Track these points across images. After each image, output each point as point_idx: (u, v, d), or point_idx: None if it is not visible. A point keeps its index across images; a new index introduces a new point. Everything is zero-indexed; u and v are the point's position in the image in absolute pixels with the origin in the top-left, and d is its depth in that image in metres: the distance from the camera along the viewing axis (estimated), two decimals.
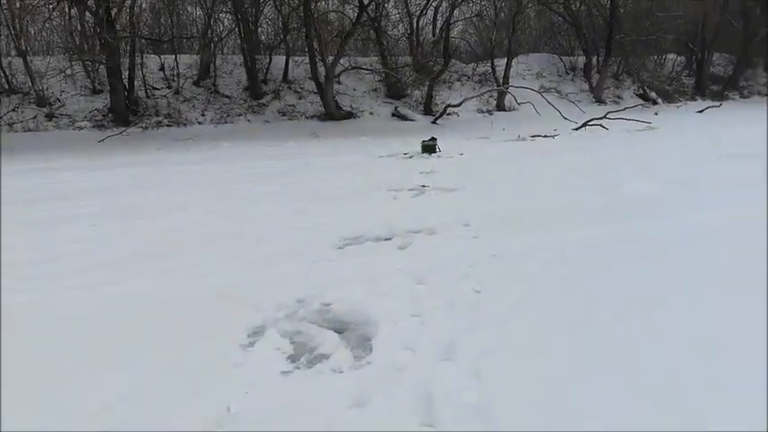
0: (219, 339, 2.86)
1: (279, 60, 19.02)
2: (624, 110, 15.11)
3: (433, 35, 20.52)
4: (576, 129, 14.18)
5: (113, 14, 15.11)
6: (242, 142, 13.75)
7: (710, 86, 24.29)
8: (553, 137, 12.61)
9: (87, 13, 15.61)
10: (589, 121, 14.24)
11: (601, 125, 14.02)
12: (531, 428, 2.04)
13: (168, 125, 16.57)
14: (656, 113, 17.74)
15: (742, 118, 16.59)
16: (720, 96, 23.36)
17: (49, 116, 15.78)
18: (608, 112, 14.78)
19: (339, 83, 18.83)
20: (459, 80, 21.10)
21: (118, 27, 15.26)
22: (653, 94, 21.88)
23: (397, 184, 7.22)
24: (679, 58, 25.34)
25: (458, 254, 4.11)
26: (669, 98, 21.96)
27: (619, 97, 22.16)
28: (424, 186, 7.06)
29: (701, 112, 18.80)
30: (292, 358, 2.72)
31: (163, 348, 2.77)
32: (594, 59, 23.01)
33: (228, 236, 4.80)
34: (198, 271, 3.90)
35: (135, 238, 4.85)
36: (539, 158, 9.34)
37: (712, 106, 19.09)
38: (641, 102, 20.24)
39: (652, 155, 9.38)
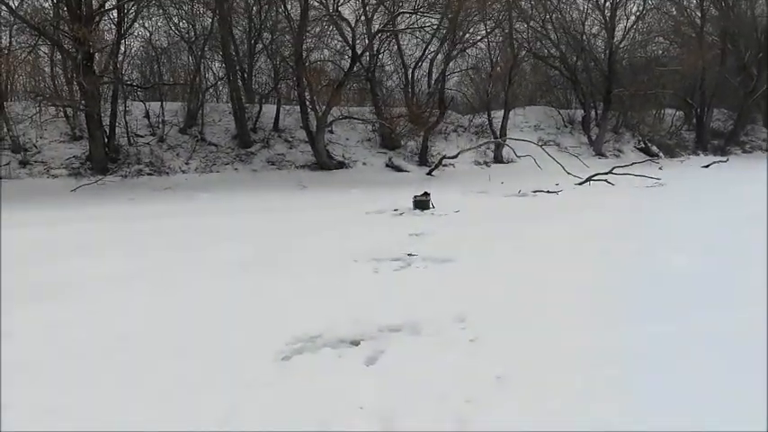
0: None
1: (270, 109, 18.08)
2: (632, 164, 14.03)
3: (429, 87, 19.71)
4: (580, 183, 13.05)
5: (95, 59, 14.19)
6: (222, 193, 12.58)
7: (712, 141, 23.39)
8: (557, 192, 11.45)
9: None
10: (594, 175, 13.13)
11: (606, 180, 12.90)
12: None
13: (149, 174, 15.45)
14: (660, 168, 16.69)
15: (750, 173, 15.54)
16: (722, 151, 22.44)
17: (23, 163, 14.65)
18: (614, 167, 13.70)
19: (332, 132, 17.85)
20: (455, 131, 20.16)
21: (98, 72, 14.33)
22: (654, 148, 20.92)
23: (381, 250, 5.96)
24: (678, 112, 24.56)
25: (449, 374, 2.82)
26: (671, 152, 20.99)
27: (619, 151, 21.20)
28: (411, 255, 5.79)
29: (706, 167, 17.78)
30: None
31: None
32: (593, 113, 22.22)
33: (139, 342, 3.50)
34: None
35: None
36: (545, 218, 8.12)
37: (719, 161, 18.08)
38: (647, 156, 19.24)
39: (671, 216, 8.16)
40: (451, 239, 6.60)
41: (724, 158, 18.81)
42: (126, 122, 16.29)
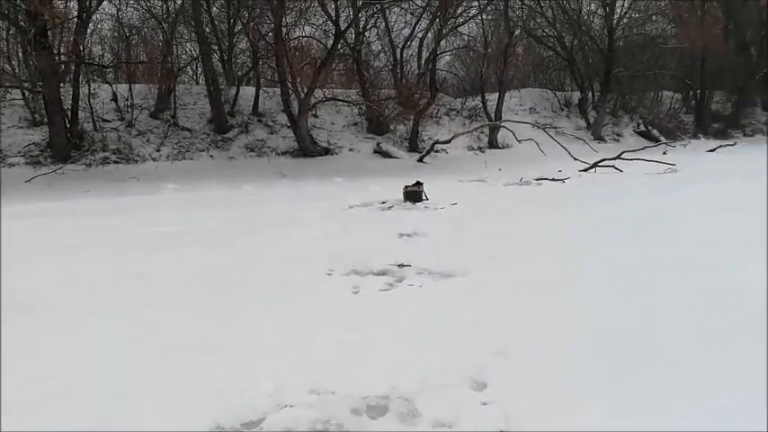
0: None
1: (249, 91, 16.56)
2: (644, 149, 12.74)
3: (419, 67, 18.26)
4: (585, 170, 11.74)
5: (51, 35, 12.62)
6: (192, 184, 11.14)
7: (712, 124, 22.15)
8: (563, 180, 10.12)
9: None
10: (600, 161, 11.81)
11: (614, 166, 11.59)
12: None
13: (117, 162, 13.95)
14: (664, 152, 15.38)
15: (758, 157, 14.33)
16: (723, 134, 21.25)
17: None
18: (623, 152, 12.37)
19: (315, 116, 16.38)
20: (447, 115, 18.75)
21: (62, 52, 12.79)
22: (655, 132, 19.64)
23: (364, 258, 4.60)
24: (676, 95, 23.29)
25: None
26: (672, 136, 19.71)
27: (618, 135, 19.92)
28: (402, 266, 4.44)
29: (712, 150, 16.53)
30: None
31: None
32: (590, 95, 20.89)
33: None
34: None
35: None
36: (559, 213, 6.78)
37: (726, 145, 16.81)
38: (647, 140, 17.97)
39: (704, 207, 6.86)
40: (452, 242, 5.25)
41: (731, 142, 17.55)
42: (91, 106, 14.72)
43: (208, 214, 7.11)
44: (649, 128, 19.98)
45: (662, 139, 18.87)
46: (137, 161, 14.14)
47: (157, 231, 6.11)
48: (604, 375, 2.43)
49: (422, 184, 8.25)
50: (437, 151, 15.65)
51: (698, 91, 22.54)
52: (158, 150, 14.54)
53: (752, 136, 22.22)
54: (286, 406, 2.22)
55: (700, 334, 2.81)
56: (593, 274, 4.04)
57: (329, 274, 4.31)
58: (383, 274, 4.30)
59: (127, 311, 3.45)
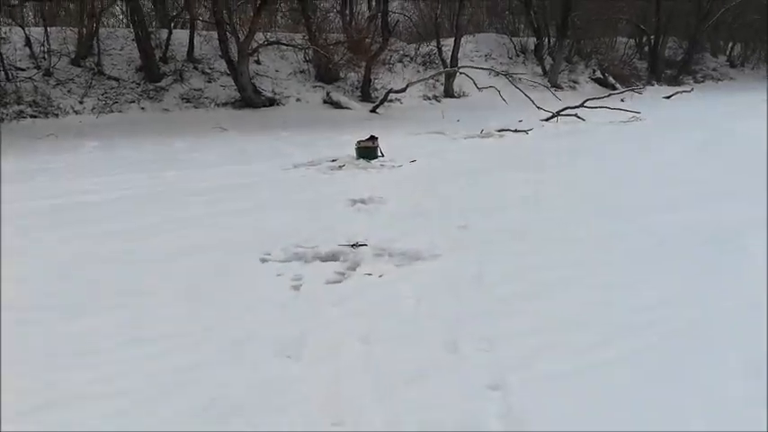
0: None
1: (182, 35, 14.86)
2: (609, 96, 12.03)
3: (369, 9, 16.81)
4: (547, 119, 10.98)
5: None
6: (116, 141, 9.75)
7: (665, 71, 21.78)
8: (526, 131, 9.32)
9: None
10: (563, 110, 11.05)
11: (576, 115, 10.86)
12: None
13: (33, 116, 12.26)
14: (622, 100, 14.78)
15: (715, 103, 13.98)
16: (676, 81, 20.94)
17: None
18: (586, 99, 11.64)
19: (258, 62, 14.91)
20: (400, 61, 17.51)
21: None
22: (611, 79, 19.06)
23: (308, 236, 3.68)
24: (629, 41, 22.72)
25: None
26: (627, 83, 19.19)
27: (574, 82, 19.23)
28: (357, 245, 3.54)
29: (668, 97, 16.06)
30: None
31: None
32: (545, 40, 20.02)
33: None
34: None
35: None
36: (531, 172, 5.95)
37: (682, 91, 16.33)
38: (604, 88, 17.38)
39: (689, 162, 6.20)
40: (415, 211, 4.36)
41: (688, 89, 17.11)
42: (0, 53, 12.82)
43: (124, 179, 5.94)
44: (606, 75, 19.37)
45: (618, 86, 18.30)
46: (57, 115, 12.47)
47: (55, 203, 4.93)
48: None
49: (376, 138, 7.28)
50: (391, 101, 14.55)
51: (652, 37, 22.02)
52: (81, 102, 12.86)
53: (702, 82, 22.05)
54: None
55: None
56: (601, 259, 3.24)
57: (264, 261, 3.37)
58: (333, 259, 3.40)
59: None
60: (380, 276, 3.04)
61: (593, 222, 3.83)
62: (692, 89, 16.96)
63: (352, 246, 3.55)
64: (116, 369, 2.11)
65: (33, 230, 4.00)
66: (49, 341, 2.32)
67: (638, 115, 10.53)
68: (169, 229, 3.95)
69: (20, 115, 12.22)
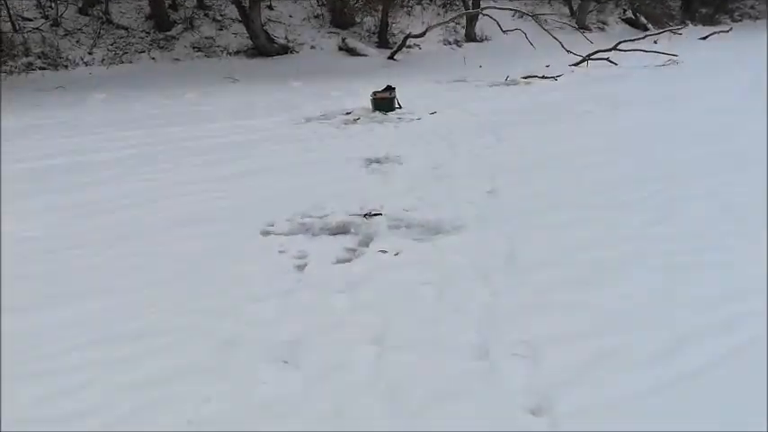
0: None
1: None
2: (644, 38, 11.11)
3: None
4: (577, 64, 10.18)
5: None
6: (124, 92, 9.31)
7: (699, 9, 20.32)
8: (555, 77, 8.61)
9: None
10: (594, 53, 10.23)
11: (608, 59, 10.04)
12: None
13: (42, 68, 11.82)
14: (655, 42, 13.74)
15: (757, 44, 12.88)
16: (711, 20, 19.54)
17: None
18: (619, 42, 10.76)
19: (270, 8, 14.16)
20: (419, 4, 16.51)
21: None
22: (642, 19, 17.81)
23: (316, 205, 3.25)
24: None
25: None
26: (659, 23, 17.92)
27: (603, 23, 18.02)
28: (371, 215, 3.10)
29: (704, 38, 14.92)
30: None
31: None
32: None
33: None
34: None
35: None
36: (565, 123, 5.36)
37: (720, 32, 15.15)
38: (634, 29, 16.21)
39: (742, 109, 5.54)
40: (436, 173, 3.88)
41: (726, 28, 15.88)
42: (6, 2, 12.28)
43: (123, 136, 5.52)
44: (637, 15, 18.10)
45: (650, 27, 17.09)
46: (66, 66, 12.02)
47: (48, 165, 4.55)
48: None
49: (394, 89, 6.70)
50: (409, 46, 13.75)
51: None
52: (90, 53, 12.36)
53: (740, 21, 20.54)
54: None
55: None
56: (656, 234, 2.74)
57: (266, 234, 2.95)
58: (342, 231, 2.97)
59: None
60: (396, 255, 2.61)
61: (647, 185, 3.30)
62: (731, 29, 15.71)
63: (365, 216, 3.11)
64: (75, 381, 1.74)
65: (15, 201, 3.62)
66: None
67: (674, 58, 9.68)
68: (162, 196, 3.54)
69: (29, 68, 11.79)
